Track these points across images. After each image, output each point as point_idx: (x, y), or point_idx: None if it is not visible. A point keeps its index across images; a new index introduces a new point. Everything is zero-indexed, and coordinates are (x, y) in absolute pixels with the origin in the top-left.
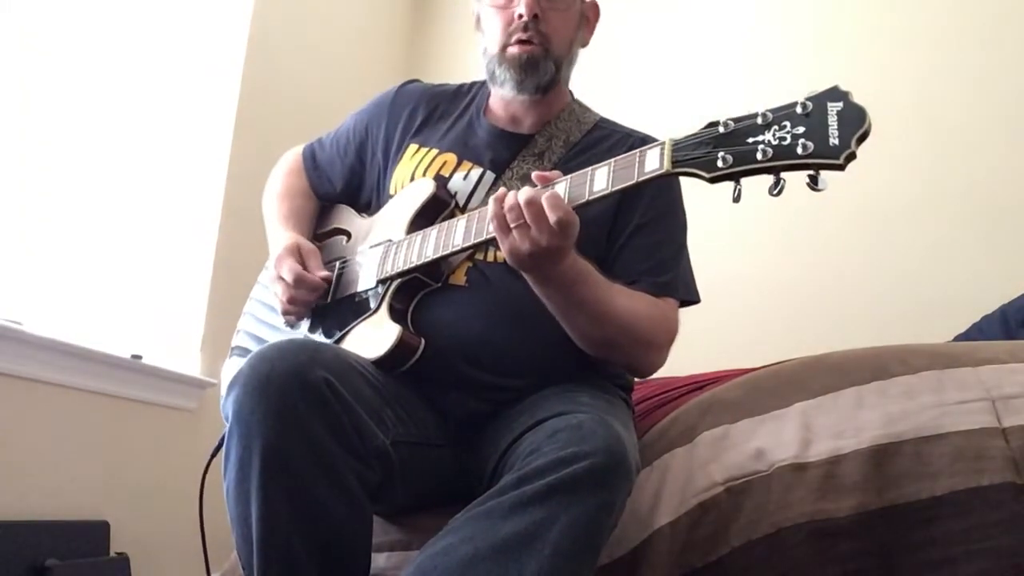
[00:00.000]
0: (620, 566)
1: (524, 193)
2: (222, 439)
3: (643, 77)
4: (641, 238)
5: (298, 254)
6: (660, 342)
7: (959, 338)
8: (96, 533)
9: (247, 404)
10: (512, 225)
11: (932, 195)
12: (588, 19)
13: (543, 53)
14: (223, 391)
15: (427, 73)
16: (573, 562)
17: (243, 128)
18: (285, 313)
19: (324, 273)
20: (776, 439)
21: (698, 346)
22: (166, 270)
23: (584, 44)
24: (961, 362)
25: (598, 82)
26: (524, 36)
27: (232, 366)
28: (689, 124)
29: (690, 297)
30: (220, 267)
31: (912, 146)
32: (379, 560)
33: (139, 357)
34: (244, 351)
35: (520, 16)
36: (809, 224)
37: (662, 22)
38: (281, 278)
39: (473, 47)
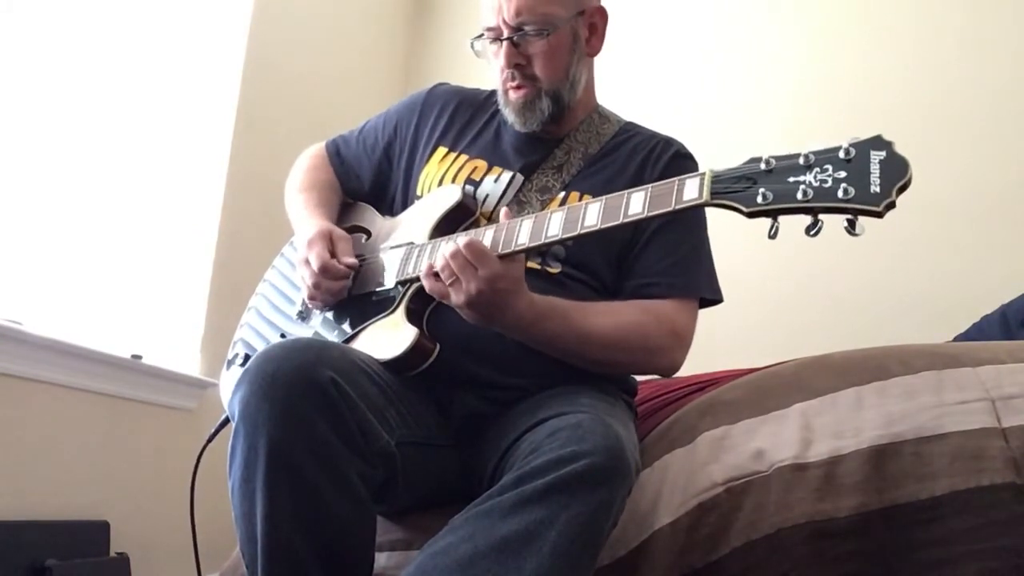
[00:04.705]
0: (620, 566)
1: (448, 248)
2: (216, 431)
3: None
4: (664, 235)
5: (329, 240)
6: (661, 346)
7: (959, 338)
8: (96, 533)
9: (253, 403)
10: (448, 283)
11: (932, 194)
12: (595, 26)
13: (536, 93)
14: (223, 395)
15: (427, 73)
16: (572, 561)
17: (243, 128)
18: (310, 298)
19: (350, 260)
20: (776, 439)
21: (698, 346)
22: (166, 270)
23: (593, 54)
24: (961, 362)
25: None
26: (514, 84)
27: (231, 377)
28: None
29: (711, 295)
30: (220, 267)
31: (911, 145)
32: (380, 559)
33: (139, 357)
34: (248, 351)
35: (503, 68)
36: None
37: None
38: (307, 262)
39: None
